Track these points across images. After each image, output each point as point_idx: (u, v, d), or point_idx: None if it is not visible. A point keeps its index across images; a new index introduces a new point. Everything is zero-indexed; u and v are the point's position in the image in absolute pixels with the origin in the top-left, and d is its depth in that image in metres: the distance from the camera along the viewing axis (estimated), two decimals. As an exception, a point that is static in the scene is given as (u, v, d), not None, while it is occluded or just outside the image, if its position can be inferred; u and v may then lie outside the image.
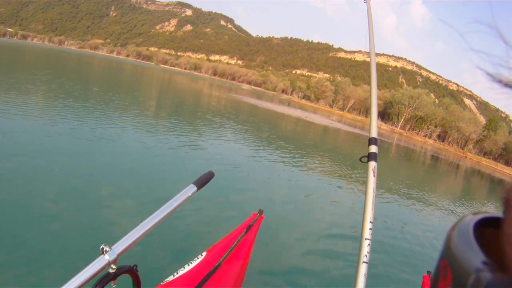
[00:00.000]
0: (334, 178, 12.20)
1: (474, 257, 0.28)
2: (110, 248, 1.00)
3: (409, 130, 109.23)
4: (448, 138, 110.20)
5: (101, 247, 0.99)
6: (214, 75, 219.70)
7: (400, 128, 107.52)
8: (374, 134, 1.85)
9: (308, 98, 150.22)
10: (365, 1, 2.59)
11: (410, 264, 6.23)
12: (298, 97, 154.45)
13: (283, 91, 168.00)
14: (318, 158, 15.90)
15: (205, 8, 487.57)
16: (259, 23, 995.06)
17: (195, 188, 1.36)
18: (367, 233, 1.50)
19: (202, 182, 1.42)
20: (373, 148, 1.75)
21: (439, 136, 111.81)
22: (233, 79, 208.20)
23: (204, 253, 1.98)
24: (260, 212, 2.55)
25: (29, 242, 3.95)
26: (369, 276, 6.00)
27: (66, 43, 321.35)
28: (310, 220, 7.27)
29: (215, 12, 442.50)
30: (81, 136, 8.85)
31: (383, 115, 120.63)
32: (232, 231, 2.26)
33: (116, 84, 31.16)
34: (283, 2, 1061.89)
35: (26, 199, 4.94)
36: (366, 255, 1.48)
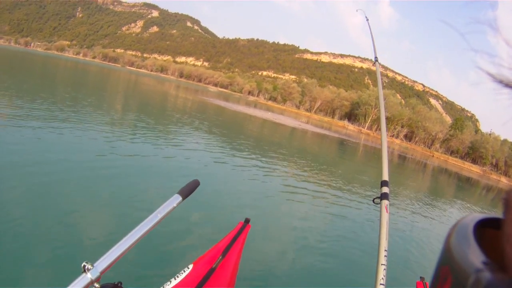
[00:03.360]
0: (321, 185, 11.98)
1: (474, 257, 0.28)
2: (92, 265, 0.95)
3: (376, 130, 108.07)
4: (415, 138, 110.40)
5: (82, 265, 0.93)
6: (181, 76, 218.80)
7: (367, 129, 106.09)
8: (385, 177, 2.00)
9: (274, 99, 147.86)
10: (374, 65, 3.08)
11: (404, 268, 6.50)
12: (265, 98, 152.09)
13: (249, 92, 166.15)
14: (303, 163, 16.00)
15: (172, 9, 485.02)
16: (225, 24, 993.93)
17: (180, 198, 1.31)
18: (382, 259, 1.60)
19: (187, 191, 1.37)
20: (385, 189, 1.91)
21: (406, 136, 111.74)
22: (200, 80, 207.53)
23: (191, 266, 1.89)
24: (247, 221, 2.36)
25: (2, 260, 3.72)
26: (356, 281, 5.46)
27: (32, 44, 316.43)
28: (299, 229, 7.07)
29: (182, 14, 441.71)
30: (57, 142, 8.60)
31: (350, 116, 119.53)
32: (219, 242, 2.16)
33: (85, 88, 28.85)
34: (249, 1, 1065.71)
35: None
36: (382, 278, 1.57)
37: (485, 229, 0.33)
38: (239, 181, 9.62)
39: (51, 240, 4.22)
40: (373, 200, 1.91)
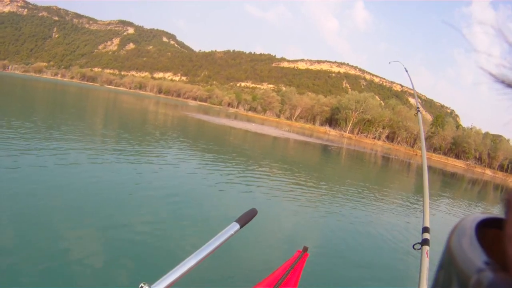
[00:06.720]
0: (380, 208, 11.67)
1: (476, 257, 0.28)
2: (149, 287, 0.95)
3: (357, 133, 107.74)
4: (397, 138, 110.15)
5: (140, 286, 0.94)
6: (159, 92, 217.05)
7: (348, 133, 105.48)
8: (427, 224, 2.00)
9: (254, 109, 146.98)
10: (416, 115, 3.17)
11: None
12: (245, 109, 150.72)
13: (229, 104, 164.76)
14: (358, 185, 15.72)
15: (147, 25, 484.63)
16: (201, 37, 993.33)
17: (238, 226, 1.31)
18: None
19: (245, 219, 1.38)
20: (426, 236, 1.92)
21: (388, 137, 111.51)
22: (179, 95, 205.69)
23: None
24: (305, 249, 2.43)
25: (64, 280, 3.90)
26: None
27: (10, 67, 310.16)
28: (361, 259, 6.60)
29: (157, 29, 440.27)
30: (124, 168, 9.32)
31: (331, 121, 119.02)
32: (275, 270, 2.20)
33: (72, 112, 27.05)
34: (224, 13, 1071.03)
35: (57, 238, 4.76)
36: None
37: (487, 229, 0.33)
38: (294, 207, 9.25)
39: (109, 259, 4.41)
40: (413, 246, 1.87)
